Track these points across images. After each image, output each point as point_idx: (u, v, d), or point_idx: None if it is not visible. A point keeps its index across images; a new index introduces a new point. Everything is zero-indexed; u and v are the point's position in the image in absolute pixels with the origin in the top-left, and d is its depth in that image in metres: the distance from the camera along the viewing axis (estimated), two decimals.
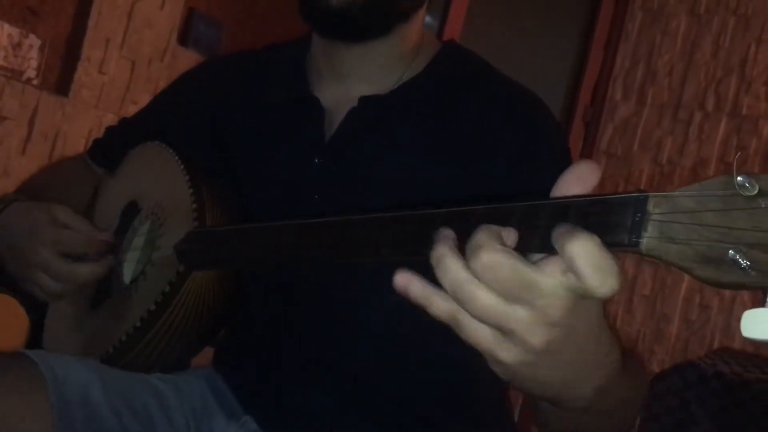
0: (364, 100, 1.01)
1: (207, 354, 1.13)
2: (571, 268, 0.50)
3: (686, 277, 2.51)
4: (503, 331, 0.53)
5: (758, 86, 3.12)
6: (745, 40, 3.16)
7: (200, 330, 1.00)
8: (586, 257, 0.50)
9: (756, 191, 0.48)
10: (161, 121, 1.19)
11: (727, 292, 3.03)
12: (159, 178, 1.08)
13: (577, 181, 0.55)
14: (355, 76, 1.03)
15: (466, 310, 0.53)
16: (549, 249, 0.54)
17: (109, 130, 1.27)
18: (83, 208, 1.19)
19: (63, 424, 0.86)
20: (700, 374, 2.25)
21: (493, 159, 0.94)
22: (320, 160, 1.01)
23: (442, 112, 0.99)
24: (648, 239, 0.51)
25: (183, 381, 1.04)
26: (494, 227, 0.54)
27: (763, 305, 0.49)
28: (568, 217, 0.55)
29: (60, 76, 2.34)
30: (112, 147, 1.23)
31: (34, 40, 2.25)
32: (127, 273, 1.06)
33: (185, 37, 2.62)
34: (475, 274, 0.52)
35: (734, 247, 0.48)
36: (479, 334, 0.54)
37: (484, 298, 0.52)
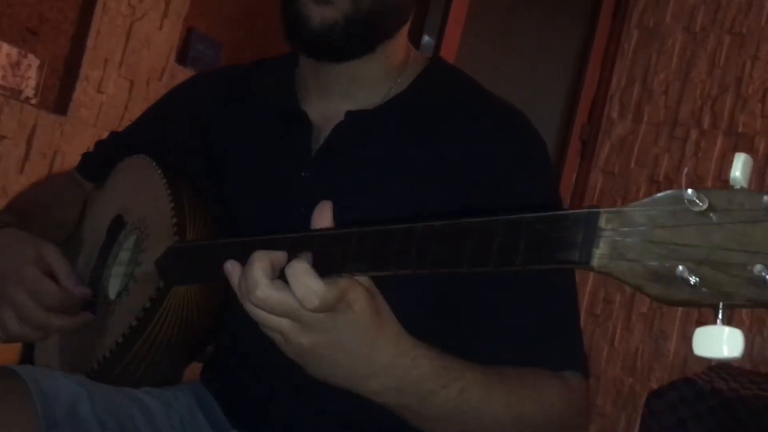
0: (351, 115, 1.02)
1: (197, 369, 1.14)
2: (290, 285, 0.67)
3: None
4: (281, 334, 0.71)
5: (754, 103, 3.13)
6: (740, 58, 3.18)
7: (185, 345, 1.00)
8: (293, 276, 0.67)
9: (706, 206, 0.48)
10: (150, 134, 1.20)
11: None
12: (143, 192, 1.09)
13: (318, 221, 0.72)
14: (341, 93, 1.04)
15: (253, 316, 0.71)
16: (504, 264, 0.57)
17: (99, 144, 1.28)
18: (72, 225, 1.20)
19: None
20: (697, 391, 2.25)
21: (477, 176, 0.95)
22: (307, 173, 1.02)
23: (428, 128, 1.00)
24: (599, 257, 0.51)
25: (171, 395, 1.04)
26: (268, 259, 0.69)
27: (714, 322, 0.48)
28: (520, 233, 0.55)
29: (58, 96, 2.36)
30: (100, 161, 1.24)
31: (32, 60, 2.27)
32: (113, 288, 1.07)
33: (184, 56, 2.64)
34: (254, 304, 0.70)
35: (683, 263, 0.48)
36: (270, 333, 0.72)
37: (259, 313, 0.70)
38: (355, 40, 0.96)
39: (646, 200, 0.51)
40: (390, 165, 0.99)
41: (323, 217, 0.72)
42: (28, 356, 1.16)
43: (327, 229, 0.71)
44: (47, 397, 0.89)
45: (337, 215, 0.98)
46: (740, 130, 3.14)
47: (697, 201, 0.48)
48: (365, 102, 1.03)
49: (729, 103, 3.18)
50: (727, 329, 0.48)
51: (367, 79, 1.04)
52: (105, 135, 1.98)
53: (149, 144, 1.15)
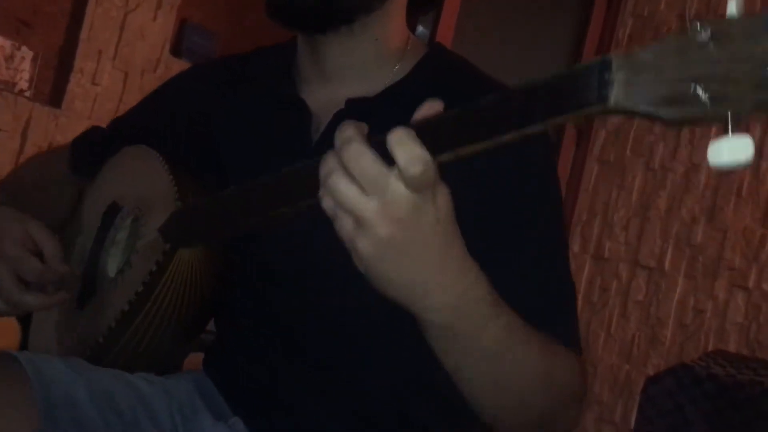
0: (351, 103, 1.01)
1: (197, 360, 1.14)
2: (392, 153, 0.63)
3: (680, 281, 2.51)
4: (358, 221, 0.65)
5: None
6: None
7: (189, 315, 0.99)
8: (397, 141, 0.63)
9: (709, 35, 0.52)
10: (146, 125, 1.20)
11: (720, 296, 3.04)
12: (140, 175, 1.09)
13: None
14: (339, 77, 1.04)
15: (332, 198, 0.66)
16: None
17: (93, 131, 1.27)
18: (65, 205, 1.20)
19: (48, 424, 0.87)
20: (694, 377, 2.25)
21: (479, 163, 0.95)
22: None
23: None
24: (615, 95, 0.55)
25: (171, 383, 1.05)
26: (361, 124, 0.67)
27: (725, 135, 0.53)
28: (538, 94, 0.60)
29: (53, 88, 2.36)
30: (95, 149, 1.23)
31: (26, 52, 2.27)
32: (112, 267, 1.08)
33: (178, 47, 2.64)
34: (342, 163, 0.65)
35: (693, 83, 0.52)
36: (343, 224, 0.66)
37: (344, 185, 0.65)
38: (326, 3, 0.96)
39: (653, 42, 0.56)
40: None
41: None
42: (23, 338, 1.17)
43: None
44: (45, 383, 0.89)
45: None
46: None
47: (701, 32, 0.53)
48: (365, 89, 1.02)
49: None
50: (737, 137, 0.52)
51: (364, 63, 1.03)
52: None
53: (146, 134, 1.15)
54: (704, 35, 0.52)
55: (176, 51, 2.63)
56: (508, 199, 0.93)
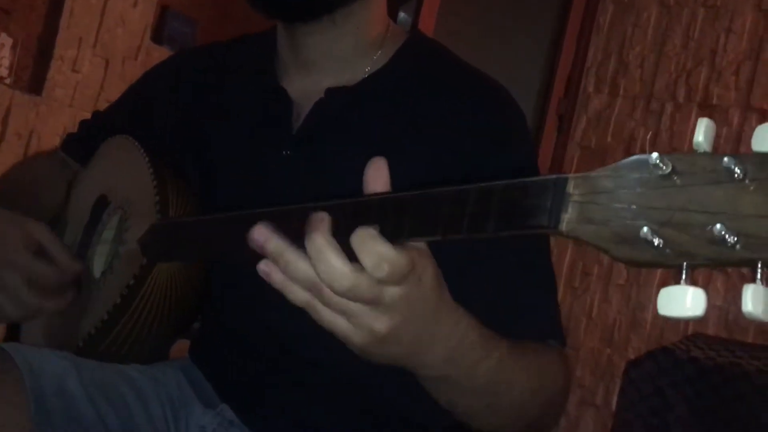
0: (331, 92, 1.02)
1: (183, 347, 1.14)
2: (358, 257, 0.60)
3: None
4: (351, 318, 0.63)
5: (728, 76, 3.16)
6: (714, 31, 3.20)
7: (169, 322, 1.01)
8: (359, 244, 0.60)
9: (669, 170, 0.49)
10: (132, 114, 1.20)
11: (699, 279, 3.07)
12: (126, 171, 1.09)
13: (373, 182, 0.65)
14: (320, 67, 1.04)
15: (320, 301, 0.63)
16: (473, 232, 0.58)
17: (83, 123, 1.27)
18: (56, 206, 1.20)
19: (40, 414, 0.87)
20: (675, 360, 2.28)
21: (459, 150, 0.96)
22: (288, 152, 1.02)
23: (409, 104, 1.00)
24: (568, 221, 0.52)
25: (159, 371, 1.05)
26: (334, 243, 0.61)
27: (678, 282, 0.49)
28: (491, 200, 0.57)
29: (33, 75, 2.34)
30: (85, 141, 1.24)
31: (5, 39, 2.24)
32: (97, 267, 1.08)
33: (159, 34, 2.62)
34: (339, 295, 0.61)
35: (647, 225, 0.49)
36: (335, 322, 0.64)
37: (333, 296, 0.62)
38: None
39: (612, 166, 0.52)
40: (372, 141, 0.99)
41: (379, 175, 0.66)
42: (13, 335, 1.16)
43: (317, 203, 0.69)
44: (36, 374, 0.89)
45: (318, 193, 0.99)
46: (714, 102, 3.17)
47: (661, 165, 0.49)
48: (345, 78, 1.03)
49: (703, 76, 3.20)
50: (690, 289, 0.49)
51: (344, 53, 1.03)
52: (81, 115, 1.97)
53: (131, 124, 1.15)
54: (666, 168, 0.49)
55: (157, 38, 2.61)
56: (488, 175, 0.94)
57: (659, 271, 3.15)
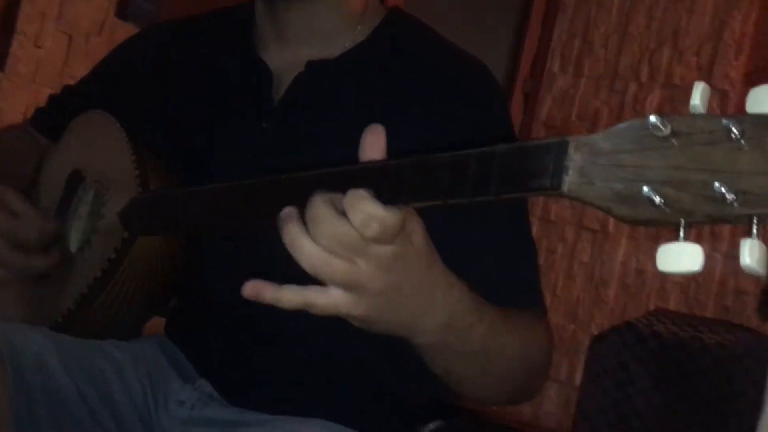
0: (312, 65, 1.02)
1: (158, 322, 1.14)
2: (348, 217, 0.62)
3: (623, 242, 2.59)
4: (353, 287, 0.64)
5: (689, 56, 3.21)
6: (676, 12, 3.25)
7: (149, 296, 1.00)
8: (350, 204, 0.61)
9: (668, 131, 0.50)
10: (105, 88, 1.18)
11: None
12: (101, 146, 1.08)
13: (371, 149, 0.66)
14: (300, 40, 1.04)
15: (323, 277, 0.64)
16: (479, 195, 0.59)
17: (52, 98, 1.25)
18: (28, 180, 1.18)
19: (20, 391, 0.87)
20: (638, 335, 2.34)
21: (439, 125, 0.97)
22: (268, 124, 1.02)
23: (389, 78, 1.01)
24: (569, 182, 0.54)
25: (137, 347, 1.05)
26: (326, 196, 0.63)
27: (676, 240, 0.51)
28: (493, 164, 0.58)
29: None
30: (55, 116, 1.22)
31: None
32: (74, 242, 1.07)
33: (124, 10, 2.58)
34: (322, 244, 0.63)
35: (648, 185, 0.51)
36: (337, 302, 0.65)
37: (336, 263, 0.63)
38: None
39: (612, 128, 0.54)
40: (353, 114, 1.00)
41: (377, 141, 0.66)
42: None
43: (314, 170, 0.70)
44: (15, 350, 0.88)
45: (299, 166, 0.99)
46: (677, 82, 3.22)
47: (661, 126, 0.50)
48: (325, 52, 1.03)
49: (666, 56, 3.25)
50: (688, 245, 0.50)
51: (325, 27, 1.04)
52: (44, 91, 1.94)
53: (104, 99, 1.14)
54: (665, 130, 0.50)
55: (122, 14, 2.57)
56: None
57: (622, 250, 3.21)
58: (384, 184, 0.63)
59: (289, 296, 0.67)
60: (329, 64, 1.02)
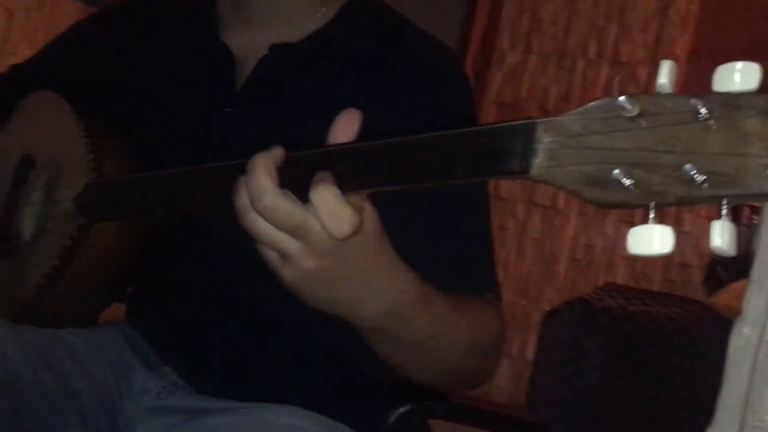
0: (275, 48, 1.00)
1: (117, 309, 1.11)
2: (315, 213, 0.61)
3: (572, 218, 2.63)
4: (282, 254, 0.65)
5: (636, 33, 3.26)
6: None
7: (108, 282, 0.98)
8: (323, 205, 0.61)
9: (637, 112, 0.49)
10: (56, 69, 1.14)
11: (609, 232, 3.19)
12: (53, 129, 1.05)
13: (341, 131, 0.66)
14: (262, 23, 1.02)
15: (251, 233, 0.65)
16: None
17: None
18: None
19: None
20: (590, 309, 2.37)
21: (404, 108, 0.96)
22: (231, 109, 1.00)
23: (354, 61, 1.00)
24: (538, 166, 0.53)
25: (97, 335, 1.02)
26: (272, 163, 0.64)
27: (646, 222, 0.50)
28: (460, 146, 0.57)
29: None
30: (1, 96, 1.17)
31: None
32: (27, 229, 1.03)
33: None
34: (259, 214, 0.63)
35: (618, 167, 0.50)
36: (266, 254, 0.66)
37: (264, 227, 0.64)
38: None
39: (580, 109, 0.53)
40: (319, 98, 0.98)
41: (351, 125, 0.66)
42: None
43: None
44: None
45: (263, 149, 0.97)
46: (624, 59, 3.26)
47: (629, 107, 0.50)
48: (288, 35, 1.01)
49: (613, 34, 3.29)
50: (658, 227, 0.50)
51: (288, 9, 1.02)
52: None
53: (56, 80, 1.10)
54: (633, 111, 0.49)
55: None
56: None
57: (571, 226, 3.25)
58: (347, 167, 0.62)
59: (241, 194, 0.65)
60: (294, 48, 1.00)
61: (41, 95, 1.09)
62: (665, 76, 0.50)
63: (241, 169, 0.70)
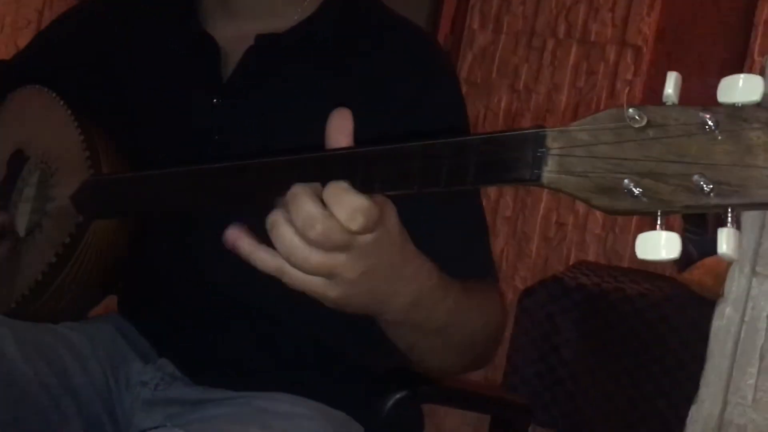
0: (261, 39, 1.00)
1: (108, 301, 1.11)
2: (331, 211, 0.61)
3: (544, 197, 2.66)
4: (330, 275, 0.64)
5: (604, 13, 3.28)
6: None
7: (105, 278, 0.99)
8: (335, 199, 0.61)
9: (645, 122, 0.51)
10: (42, 62, 1.13)
11: (580, 210, 3.24)
12: (44, 124, 1.04)
13: (339, 132, 0.65)
14: (247, 13, 1.03)
15: (300, 269, 0.64)
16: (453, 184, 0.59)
17: None
18: None
19: None
20: (564, 287, 2.41)
21: (391, 98, 0.97)
22: (219, 100, 1.01)
23: (341, 52, 1.00)
24: (548, 173, 0.55)
25: (93, 328, 1.03)
26: (312, 192, 0.62)
27: (654, 228, 0.53)
28: (470, 156, 0.58)
29: None
30: None
31: None
32: (21, 226, 1.03)
33: None
34: (311, 243, 0.62)
35: (628, 176, 0.52)
36: (311, 282, 0.65)
37: (316, 258, 0.63)
38: None
39: (588, 118, 0.55)
40: (306, 89, 0.99)
41: (345, 125, 0.66)
42: None
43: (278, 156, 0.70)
44: None
45: (252, 142, 0.98)
46: (593, 39, 3.29)
47: (637, 118, 0.51)
48: (273, 25, 1.01)
49: (582, 13, 3.31)
50: (665, 234, 0.52)
51: (273, 1, 1.02)
52: None
53: (42, 74, 1.09)
54: (641, 121, 0.51)
55: None
56: (423, 120, 0.96)
57: (543, 204, 3.29)
58: (358, 172, 0.63)
59: (264, 257, 0.66)
60: (280, 38, 1.01)
61: (30, 90, 1.08)
62: (671, 87, 0.52)
63: (241, 169, 0.71)
